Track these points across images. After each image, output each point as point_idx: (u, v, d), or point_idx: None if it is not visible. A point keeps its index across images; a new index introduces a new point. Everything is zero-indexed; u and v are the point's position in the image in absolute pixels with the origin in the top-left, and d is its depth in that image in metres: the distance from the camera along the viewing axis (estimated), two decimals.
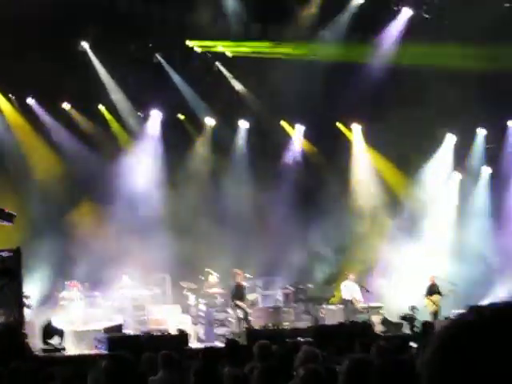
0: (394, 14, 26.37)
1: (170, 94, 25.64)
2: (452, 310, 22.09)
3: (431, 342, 1.44)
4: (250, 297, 23.20)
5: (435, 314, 23.59)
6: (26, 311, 19.70)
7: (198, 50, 25.91)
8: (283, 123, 28.29)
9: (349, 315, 23.25)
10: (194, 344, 19.95)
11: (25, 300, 20.12)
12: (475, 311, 1.42)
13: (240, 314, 21.53)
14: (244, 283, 22.86)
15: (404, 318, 22.06)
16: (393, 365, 4.77)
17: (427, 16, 26.10)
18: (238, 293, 21.84)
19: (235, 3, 24.97)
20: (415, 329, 20.96)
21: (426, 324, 18.20)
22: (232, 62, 26.53)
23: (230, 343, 9.54)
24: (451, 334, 1.41)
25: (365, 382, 4.88)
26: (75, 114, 25.41)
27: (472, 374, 1.34)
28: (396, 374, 4.67)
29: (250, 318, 21.86)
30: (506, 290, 25.49)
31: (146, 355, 9.29)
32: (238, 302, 21.58)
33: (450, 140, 29.04)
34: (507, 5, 25.31)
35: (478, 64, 24.08)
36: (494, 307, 1.42)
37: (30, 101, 24.94)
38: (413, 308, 22.38)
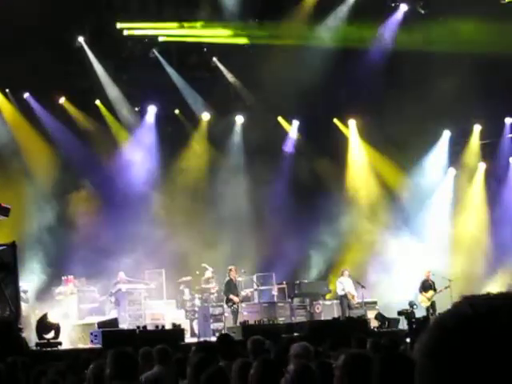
0: (390, 10, 26.42)
1: (167, 89, 25.65)
2: (447, 306, 22.11)
3: (425, 336, 1.44)
4: (243, 292, 23.24)
5: (430, 309, 23.62)
6: (23, 305, 19.75)
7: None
8: (280, 118, 28.31)
9: (344, 311, 23.31)
10: (189, 339, 19.98)
11: (22, 294, 20.15)
12: (470, 304, 1.42)
13: (233, 308, 21.57)
14: (239, 278, 22.88)
15: (401, 313, 22.10)
16: (391, 360, 4.79)
17: (423, 11, 26.15)
18: (230, 288, 21.89)
19: None
20: (413, 325, 20.98)
21: (424, 319, 18.22)
22: (229, 57, 26.53)
23: (222, 337, 9.54)
24: (445, 328, 1.40)
25: (362, 377, 4.91)
26: (72, 110, 25.39)
27: (466, 370, 1.35)
28: (395, 369, 4.69)
29: (240, 311, 21.89)
30: (502, 284, 25.52)
31: (142, 350, 9.31)
32: (231, 296, 21.63)
33: (446, 136, 29.08)
34: (504, 1, 25.31)
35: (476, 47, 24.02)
36: (489, 299, 1.42)
37: (27, 96, 24.90)
38: (411, 304, 22.39)
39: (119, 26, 24.45)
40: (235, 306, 21.61)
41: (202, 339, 19.09)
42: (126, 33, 24.75)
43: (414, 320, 21.06)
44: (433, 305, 23.63)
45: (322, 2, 25.60)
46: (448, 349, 1.37)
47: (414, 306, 22.37)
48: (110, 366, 6.00)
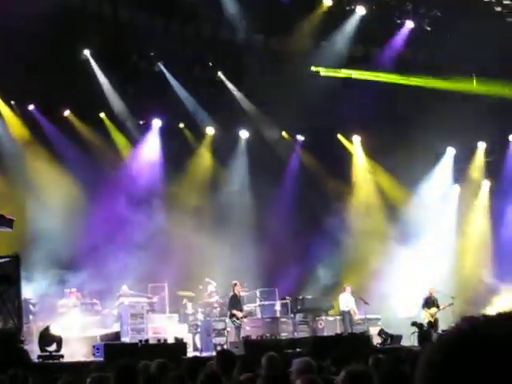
0: (396, 27, 26.50)
1: (171, 102, 25.70)
2: (450, 323, 22.07)
3: (424, 357, 1.44)
4: (247, 307, 23.18)
5: (432, 326, 23.55)
6: (31, 318, 19.77)
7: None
8: (284, 134, 28.36)
9: (347, 326, 23.26)
10: (191, 353, 19.94)
11: (31, 307, 20.17)
12: (469, 324, 1.42)
13: (236, 323, 21.53)
14: (242, 293, 22.84)
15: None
16: (391, 376, 4.78)
17: (429, 28, 26.21)
18: (234, 303, 21.84)
19: (235, 12, 25.04)
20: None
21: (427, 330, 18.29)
22: (234, 71, 26.59)
23: (221, 353, 9.54)
24: (444, 349, 1.41)
25: None
26: (77, 122, 25.41)
27: None
28: None
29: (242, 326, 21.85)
30: (505, 301, 25.47)
31: (143, 364, 9.28)
32: (234, 311, 21.58)
33: (451, 153, 29.10)
34: (510, 19, 25.37)
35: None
36: (488, 320, 1.43)
37: (32, 108, 24.94)
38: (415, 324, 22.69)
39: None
40: (238, 321, 21.56)
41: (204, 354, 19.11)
42: None
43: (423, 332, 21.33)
44: (435, 322, 23.55)
45: (328, 18, 25.67)
46: (446, 372, 1.37)
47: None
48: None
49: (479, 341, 1.37)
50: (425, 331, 22.17)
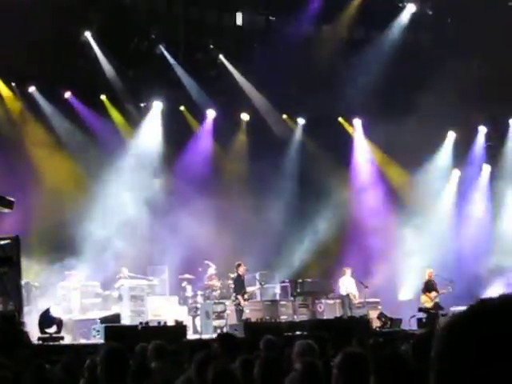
0: (398, 10, 26.46)
1: (172, 85, 25.65)
2: (450, 307, 22.18)
3: (440, 334, 1.45)
4: (248, 289, 23.21)
5: (433, 309, 23.60)
6: (31, 299, 19.81)
7: None
8: (285, 117, 28.32)
9: (346, 310, 23.32)
10: (191, 336, 20.00)
11: (32, 289, 20.20)
12: (482, 302, 1.44)
13: (239, 307, 21.55)
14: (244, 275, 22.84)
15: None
16: (388, 359, 4.79)
17: (431, 12, 26.16)
18: (239, 285, 21.84)
19: None
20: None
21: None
22: (235, 54, 26.54)
23: (222, 336, 9.55)
24: (461, 324, 1.43)
25: (357, 375, 4.92)
26: (77, 104, 25.35)
27: (483, 362, 1.35)
28: (392, 368, 4.70)
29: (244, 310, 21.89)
30: (504, 285, 25.53)
31: (139, 346, 9.30)
32: (239, 297, 21.58)
33: (451, 137, 29.07)
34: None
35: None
36: (502, 297, 1.45)
37: (32, 90, 24.87)
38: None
39: None
40: (241, 306, 21.58)
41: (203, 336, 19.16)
42: None
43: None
44: (435, 305, 23.57)
45: (329, 1, 25.63)
46: (465, 345, 1.40)
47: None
48: (101, 367, 5.98)
49: (505, 311, 1.39)
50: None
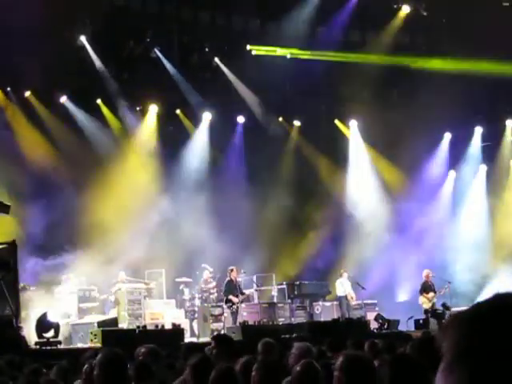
0: (393, 12, 26.47)
1: (168, 88, 25.65)
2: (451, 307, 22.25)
3: (449, 329, 1.43)
4: (247, 291, 23.18)
5: (447, 309, 23.58)
6: (28, 304, 19.76)
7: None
8: (281, 119, 28.32)
9: (344, 312, 23.32)
10: (189, 339, 19.98)
11: (29, 294, 20.15)
12: (499, 296, 1.44)
13: (232, 308, 21.56)
14: (238, 279, 22.80)
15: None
16: (402, 362, 4.79)
17: (425, 13, 26.18)
18: (230, 288, 21.86)
19: None
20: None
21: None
22: (230, 57, 26.55)
23: (218, 337, 9.52)
24: (473, 317, 1.42)
25: (360, 378, 4.91)
26: (73, 109, 25.32)
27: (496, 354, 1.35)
28: (393, 370, 4.69)
29: (239, 312, 21.86)
30: (502, 285, 25.54)
31: (138, 350, 9.26)
32: (231, 297, 21.61)
33: (447, 138, 29.11)
34: (506, 4, 25.34)
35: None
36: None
37: (28, 94, 24.84)
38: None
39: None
40: (234, 306, 21.59)
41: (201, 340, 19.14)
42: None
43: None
44: (433, 306, 23.58)
45: (324, 3, 25.63)
46: (476, 338, 1.39)
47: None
48: (98, 371, 5.97)
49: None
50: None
